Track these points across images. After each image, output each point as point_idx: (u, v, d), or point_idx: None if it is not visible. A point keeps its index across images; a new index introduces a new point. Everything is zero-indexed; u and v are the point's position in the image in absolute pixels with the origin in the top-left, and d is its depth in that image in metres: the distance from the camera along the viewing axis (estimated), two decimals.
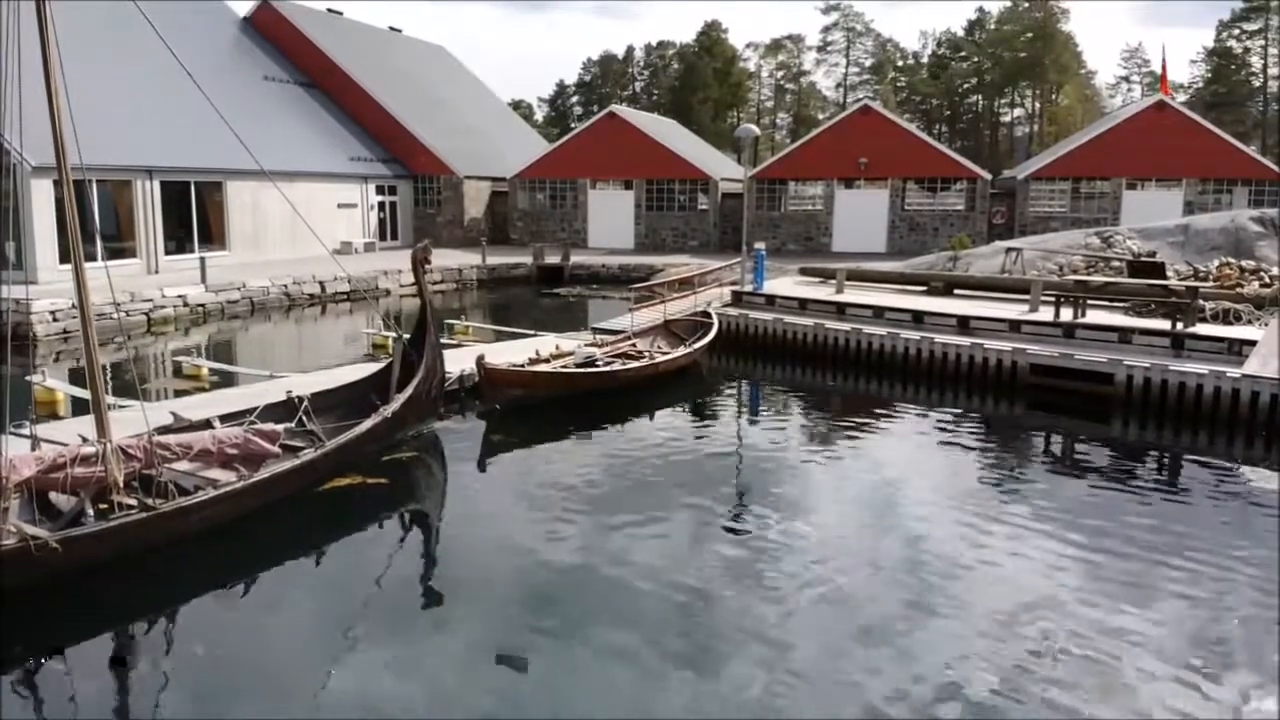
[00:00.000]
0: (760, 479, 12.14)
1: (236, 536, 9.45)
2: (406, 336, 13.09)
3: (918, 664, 7.27)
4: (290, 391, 12.12)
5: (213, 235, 31.74)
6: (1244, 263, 20.21)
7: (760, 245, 23.06)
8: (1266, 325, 16.22)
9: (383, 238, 40.28)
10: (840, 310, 19.94)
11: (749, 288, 22.01)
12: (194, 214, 30.87)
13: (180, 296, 24.64)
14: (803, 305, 20.60)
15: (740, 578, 8.86)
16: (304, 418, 11.59)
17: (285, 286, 27.62)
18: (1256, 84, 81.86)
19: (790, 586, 8.67)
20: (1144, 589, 8.69)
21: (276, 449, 10.34)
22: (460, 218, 41.95)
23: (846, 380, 18.04)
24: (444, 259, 34.06)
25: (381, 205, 40.59)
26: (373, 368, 13.93)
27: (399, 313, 26.63)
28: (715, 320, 19.24)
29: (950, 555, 9.46)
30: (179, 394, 15.32)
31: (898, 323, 18.74)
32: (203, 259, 27.02)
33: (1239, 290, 18.55)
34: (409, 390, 12.16)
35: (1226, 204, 33.72)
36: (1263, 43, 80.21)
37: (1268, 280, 19.15)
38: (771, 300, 21.29)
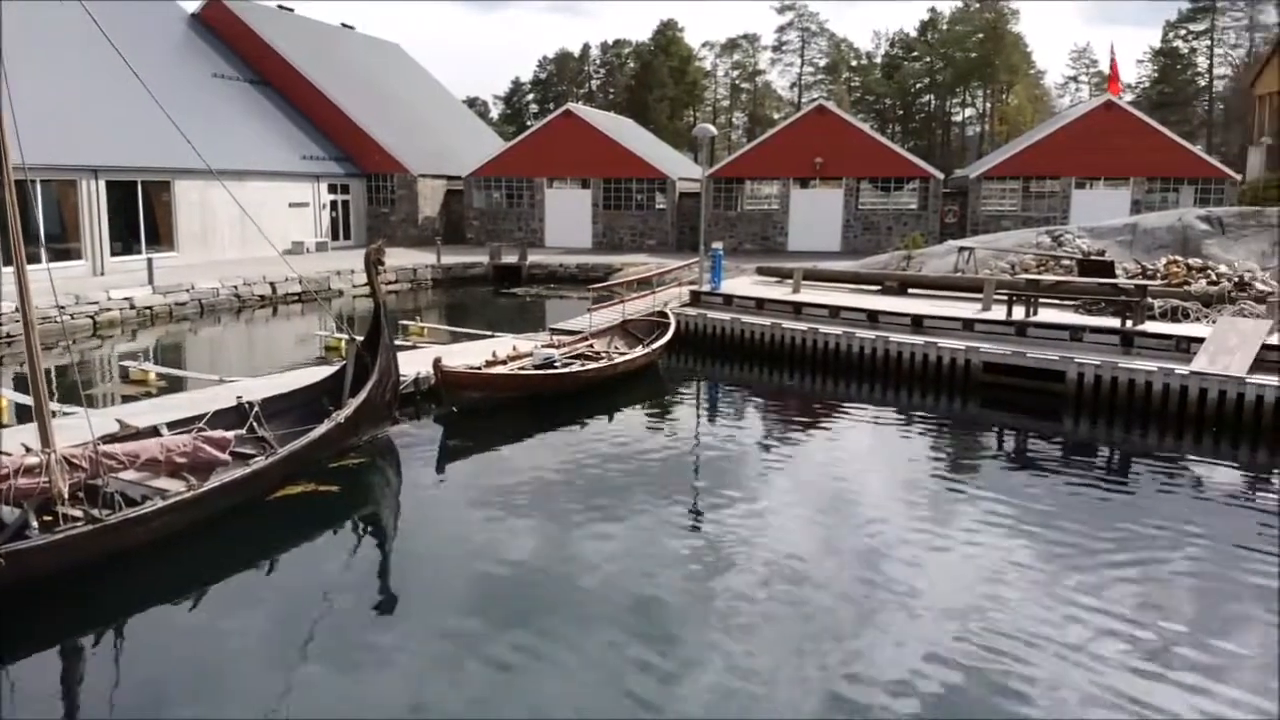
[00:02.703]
0: (718, 478, 12.15)
1: (186, 547, 9.23)
2: (360, 339, 12.90)
3: (875, 658, 7.33)
4: (240, 397, 11.88)
5: (160, 236, 31.10)
6: (1191, 261, 20.60)
7: (718, 245, 23.10)
8: (1214, 322, 16.57)
9: (335, 237, 39.77)
10: (797, 310, 20.04)
11: (707, 287, 22.04)
12: (141, 214, 30.21)
13: (127, 299, 24.11)
14: (760, 305, 20.67)
15: (699, 576, 8.88)
16: (255, 424, 11.37)
17: (235, 288, 27.15)
18: (1202, 84, 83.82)
19: (748, 583, 8.70)
20: (1095, 582, 8.82)
21: (226, 457, 10.14)
22: (414, 216, 41.55)
23: (803, 379, 18.14)
24: (398, 258, 33.72)
25: (334, 204, 40.07)
26: (325, 371, 13.72)
27: (352, 314, 26.31)
28: (673, 320, 19.23)
29: (906, 550, 9.58)
30: (126, 400, 14.98)
31: (853, 322, 18.87)
32: (150, 260, 26.44)
33: (1186, 288, 18.92)
34: (363, 394, 11.97)
35: (1173, 202, 34.43)
36: (1208, 43, 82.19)
37: (1214, 278, 19.56)
38: (729, 300, 21.34)
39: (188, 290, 25.83)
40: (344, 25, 51.67)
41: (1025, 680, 7.04)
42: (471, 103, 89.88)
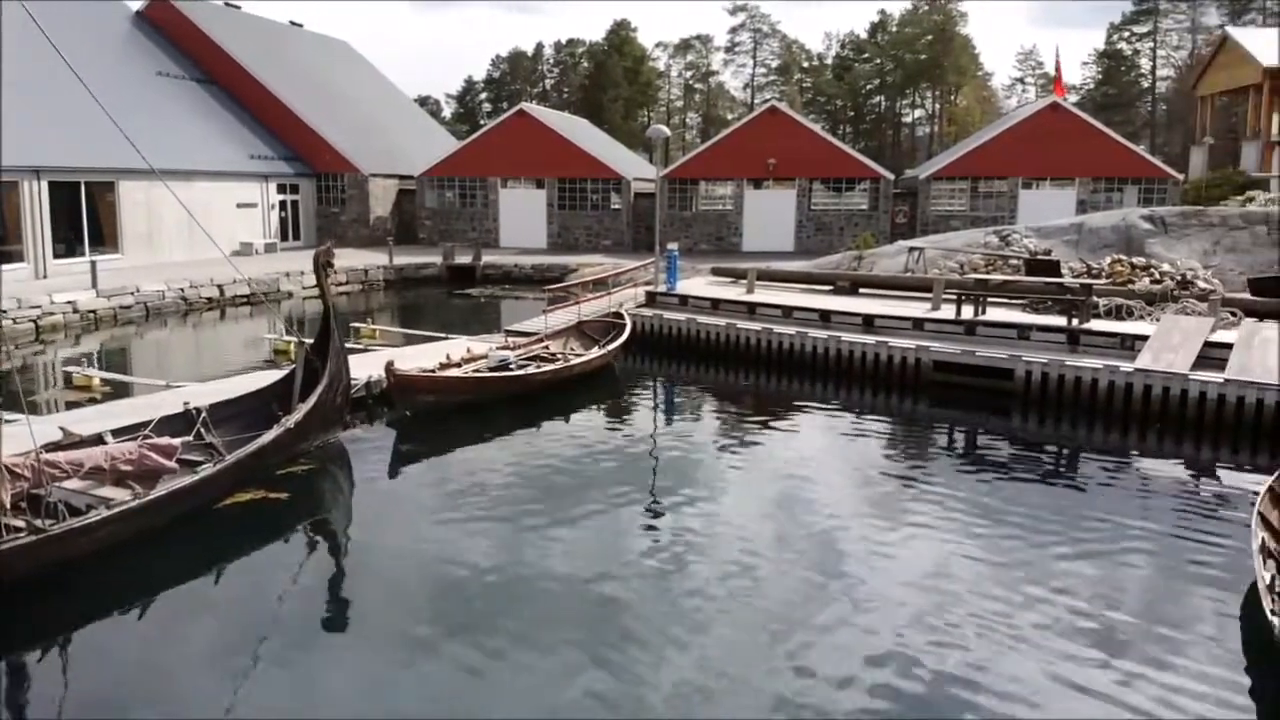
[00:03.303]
0: (675, 478, 12.17)
1: (132, 557, 9.03)
2: (309, 342, 12.73)
3: (832, 653, 7.42)
4: (187, 403, 11.66)
5: (105, 237, 30.41)
6: (1135, 260, 21.05)
7: (673, 246, 23.15)
8: (1157, 321, 16.95)
9: (284, 238, 39.20)
10: (751, 310, 20.16)
11: (662, 288, 22.08)
12: (84, 215, 29.53)
13: (70, 302, 23.54)
14: (715, 305, 20.76)
15: (657, 575, 8.92)
16: (202, 430, 11.19)
17: (182, 290, 26.64)
18: (1145, 85, 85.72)
19: (706, 581, 8.76)
20: (1044, 573, 9.02)
21: (173, 464, 9.97)
22: (365, 217, 41.12)
23: (758, 379, 18.25)
24: (349, 259, 33.35)
25: (283, 204, 39.50)
26: (274, 375, 13.50)
27: (302, 316, 25.94)
28: (628, 321, 19.24)
29: (860, 546, 9.73)
30: (69, 406, 14.62)
31: (806, 322, 19.03)
32: (94, 262, 25.82)
33: (1131, 286, 19.34)
34: (313, 399, 11.81)
35: (1118, 202, 35.16)
36: (1151, 45, 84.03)
37: (1158, 277, 20.00)
38: (684, 300, 21.39)
39: (133, 293, 25.30)
40: (292, 23, 50.96)
41: (978, 669, 7.19)
42: (423, 101, 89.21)
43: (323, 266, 12.41)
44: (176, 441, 10.38)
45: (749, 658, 7.43)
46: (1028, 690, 6.93)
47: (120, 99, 29.21)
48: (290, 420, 11.29)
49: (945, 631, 7.78)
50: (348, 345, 14.77)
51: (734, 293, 21.67)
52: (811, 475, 12.42)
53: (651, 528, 10.27)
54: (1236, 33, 45.69)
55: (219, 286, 27.55)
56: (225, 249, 30.46)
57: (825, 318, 19.00)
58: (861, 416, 15.83)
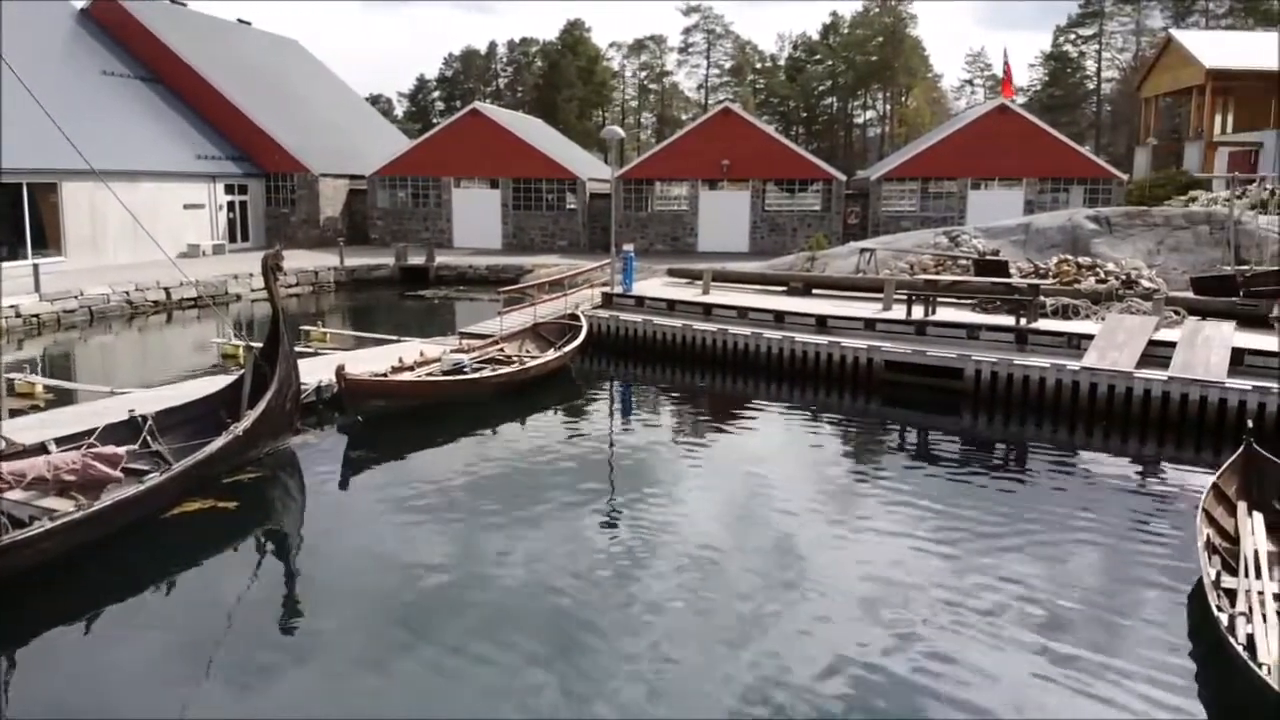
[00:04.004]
0: (631, 479, 12.18)
1: (77, 570, 8.82)
2: (258, 346, 12.52)
3: (787, 649, 7.52)
4: (133, 410, 11.42)
5: (48, 240, 29.71)
6: (1081, 259, 21.45)
7: (629, 247, 23.14)
8: (1103, 320, 17.28)
9: (233, 239, 38.58)
10: (707, 311, 20.22)
11: (619, 289, 22.07)
12: (26, 217, 28.81)
13: (12, 307, 22.89)
14: (671, 306, 20.79)
15: (613, 577, 8.93)
16: (149, 438, 10.96)
17: (127, 293, 26.09)
18: (1091, 87, 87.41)
19: (662, 582, 8.80)
20: (994, 566, 9.21)
21: (119, 474, 9.76)
22: (316, 217, 40.61)
23: (714, 380, 18.32)
24: (299, 260, 32.90)
25: (231, 205, 38.87)
26: (222, 381, 13.27)
27: (251, 319, 25.57)
28: (585, 323, 19.19)
29: (814, 544, 9.87)
30: (11, 414, 14.20)
31: (761, 323, 19.13)
32: (36, 266, 25.17)
33: (1077, 286, 19.69)
34: (262, 405, 11.61)
35: (1064, 202, 35.83)
36: (1097, 47, 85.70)
37: (1103, 276, 20.39)
38: (641, 302, 21.40)
39: (76, 297, 24.73)
40: (240, 21, 50.15)
41: (930, 662, 7.31)
42: (375, 100, 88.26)
43: (271, 270, 12.23)
44: (122, 450, 10.16)
45: (706, 656, 7.47)
46: (979, 683, 7.07)
47: (64, 98, 28.55)
48: (239, 427, 11.09)
49: (898, 627, 7.89)
50: (298, 349, 14.55)
51: (690, 294, 21.73)
52: (767, 474, 12.50)
53: (609, 529, 10.27)
54: (1180, 35, 46.86)
55: (165, 289, 27.03)
56: (172, 251, 29.91)
57: (779, 318, 19.11)
58: (815, 416, 16.00)
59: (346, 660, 7.47)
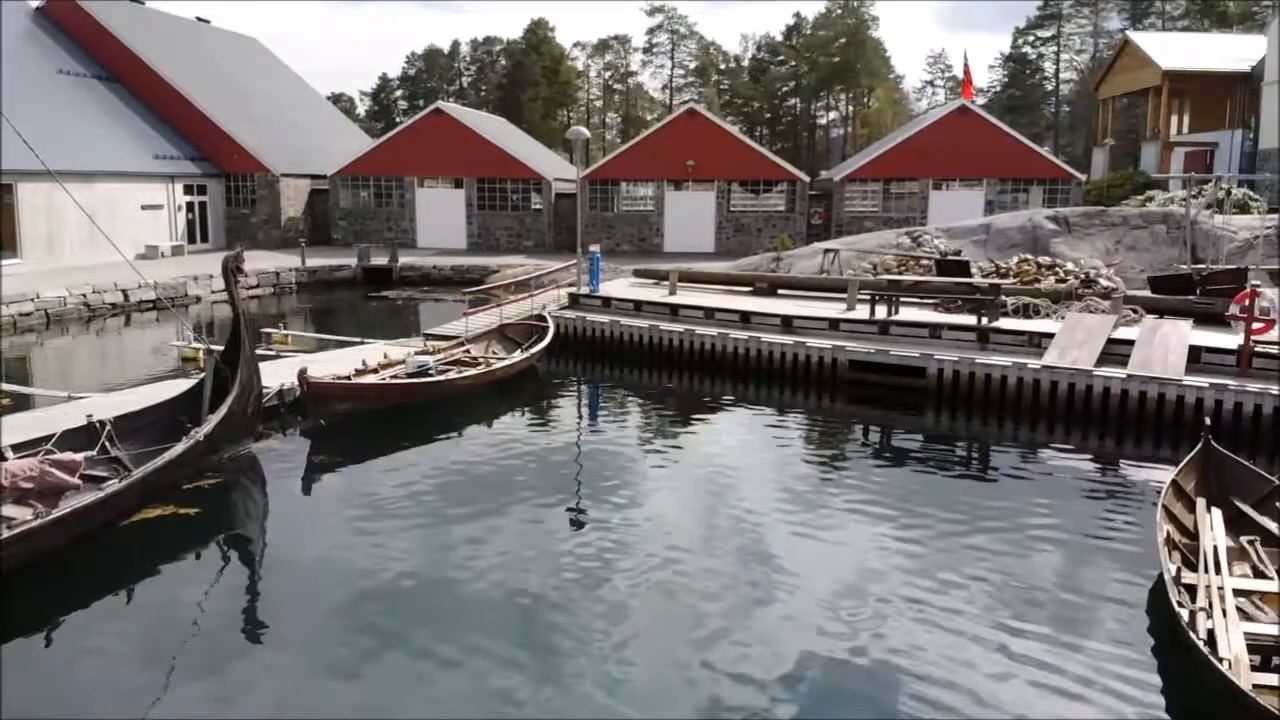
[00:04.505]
0: (599, 481, 12.16)
1: (35, 580, 8.62)
2: (219, 349, 12.35)
3: (754, 647, 7.59)
4: (91, 415, 11.20)
5: (3, 242, 29.05)
6: (1040, 259, 21.72)
7: (595, 247, 23.11)
8: (1062, 318, 17.52)
9: (192, 240, 38.03)
10: (674, 312, 20.24)
11: (585, 290, 22.03)
12: None
13: None
14: (638, 307, 20.79)
15: (580, 578, 8.93)
16: (107, 444, 10.77)
17: (84, 296, 25.64)
18: (1049, 88, 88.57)
19: (630, 582, 8.83)
20: (959, 561, 9.34)
21: (77, 480, 9.59)
22: (277, 217, 40.15)
23: (681, 380, 18.35)
24: (260, 261, 32.51)
25: (190, 206, 38.31)
26: (183, 385, 13.07)
27: (211, 321, 25.23)
28: (551, 324, 19.13)
29: (780, 542, 9.94)
30: None
31: (727, 323, 19.19)
32: None
33: (1037, 285, 19.95)
34: (223, 409, 11.45)
35: (1023, 203, 36.29)
36: (1055, 49, 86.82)
37: (1062, 275, 20.68)
38: (607, 302, 21.38)
39: (33, 299, 24.26)
40: (199, 19, 49.47)
41: (895, 658, 7.42)
42: (336, 99, 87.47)
43: (232, 273, 12.07)
44: (80, 456, 9.99)
45: (674, 655, 7.51)
46: (942, 679, 7.15)
47: (19, 98, 28.03)
48: (200, 432, 10.92)
49: (862, 625, 7.99)
50: (259, 352, 14.38)
51: (657, 294, 21.75)
52: (733, 474, 12.55)
53: (576, 531, 10.27)
54: (1137, 37, 47.67)
55: (124, 292, 26.58)
56: (130, 252, 29.45)
57: (745, 319, 19.19)
58: (781, 415, 16.08)
59: (310, 666, 7.40)
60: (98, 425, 10.93)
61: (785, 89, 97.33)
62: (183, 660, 7.52)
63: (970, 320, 17.71)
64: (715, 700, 6.87)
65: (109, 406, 12.51)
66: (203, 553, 9.90)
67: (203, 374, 12.32)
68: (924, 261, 22.47)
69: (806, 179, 39.85)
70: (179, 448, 10.50)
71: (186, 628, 8.13)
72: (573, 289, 22.25)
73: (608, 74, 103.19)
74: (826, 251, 24.81)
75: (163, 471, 10.18)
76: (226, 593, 8.99)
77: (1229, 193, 27.47)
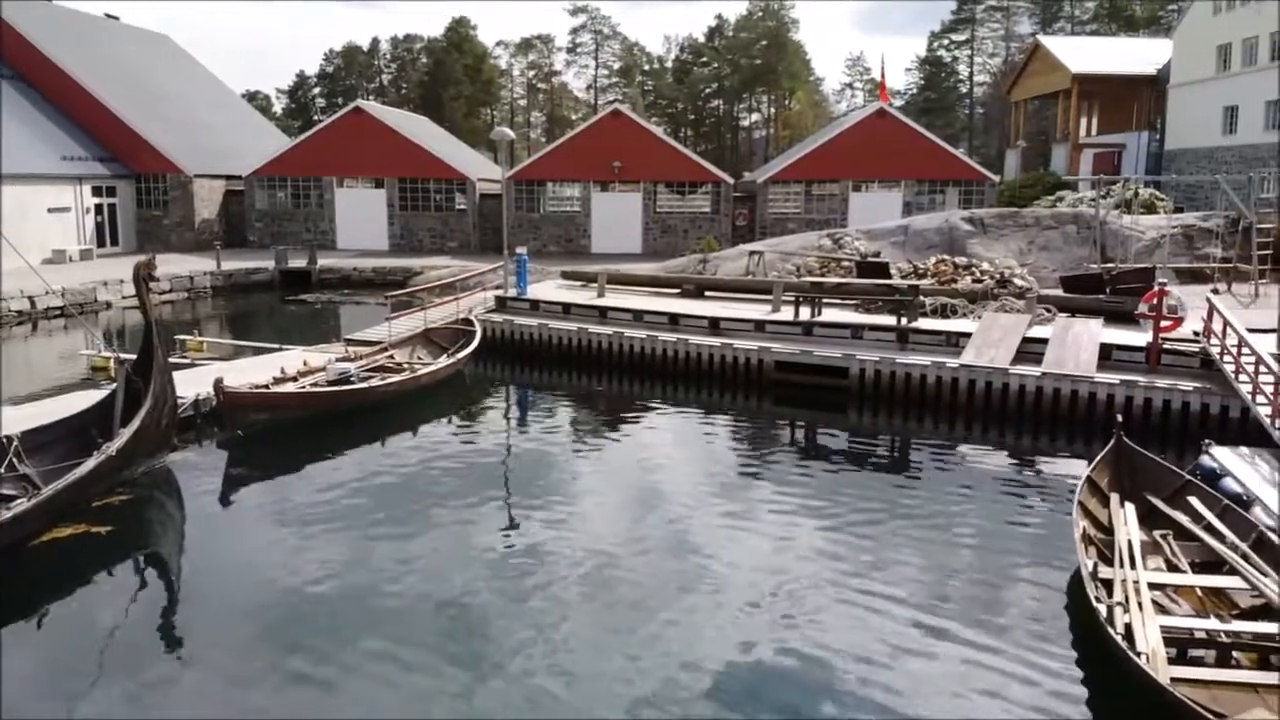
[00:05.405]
0: (527, 485, 12.12)
1: None
2: (130, 359, 11.95)
3: (682, 645, 7.75)
4: None
5: None
6: (957, 259, 22.27)
7: (522, 250, 22.97)
8: (979, 318, 17.97)
9: (101, 243, 36.68)
10: (602, 314, 20.22)
11: (513, 293, 21.86)
12: None
13: None
14: (566, 310, 20.72)
15: (509, 582, 8.94)
16: (14, 460, 10.35)
17: None
18: (964, 90, 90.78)
19: (558, 584, 8.88)
20: (880, 562, 9.56)
21: None
22: (190, 219, 39.00)
23: (610, 382, 18.37)
24: (174, 265, 31.54)
25: (99, 208, 36.93)
26: (93, 397, 12.60)
27: (123, 328, 24.38)
28: (478, 328, 18.93)
29: (708, 541, 10.11)
30: None
31: (656, 325, 19.25)
32: None
33: (954, 286, 20.43)
34: (136, 422, 11.09)
35: (940, 203, 37.12)
36: (969, 52, 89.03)
37: (978, 275, 21.22)
38: (535, 305, 21.26)
39: None
40: (108, 16, 47.75)
41: (819, 652, 7.63)
42: (252, 97, 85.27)
43: (144, 279, 11.69)
44: None
45: (605, 654, 7.59)
46: (862, 674, 7.34)
47: None
48: (112, 446, 10.56)
49: (784, 621, 8.21)
50: (173, 360, 13.92)
51: (585, 297, 21.69)
52: (663, 474, 12.65)
53: (505, 535, 10.25)
54: (1048, 41, 49.19)
55: (29, 298, 25.51)
56: (35, 257, 28.36)
57: (674, 321, 19.27)
58: (709, 416, 16.23)
59: (229, 684, 7.24)
60: (4, 441, 10.50)
61: (708, 90, 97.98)
62: (98, 686, 7.27)
63: (890, 321, 18.06)
64: (643, 699, 6.94)
65: (16, 420, 11.99)
66: (117, 572, 9.57)
67: (114, 385, 11.93)
68: (845, 263, 22.83)
69: (731, 181, 40.18)
70: (90, 463, 10.14)
71: (100, 652, 7.86)
72: (499, 291, 22.07)
73: (531, 73, 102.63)
74: (751, 253, 25.05)
75: (74, 488, 9.83)
76: (142, 613, 8.70)
77: (1136, 193, 28.47)
